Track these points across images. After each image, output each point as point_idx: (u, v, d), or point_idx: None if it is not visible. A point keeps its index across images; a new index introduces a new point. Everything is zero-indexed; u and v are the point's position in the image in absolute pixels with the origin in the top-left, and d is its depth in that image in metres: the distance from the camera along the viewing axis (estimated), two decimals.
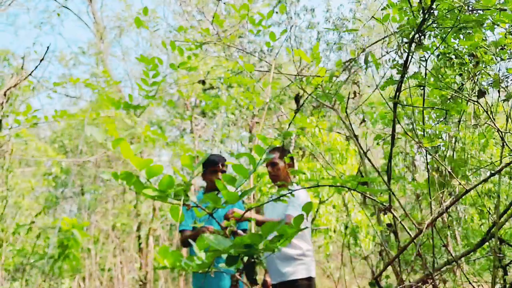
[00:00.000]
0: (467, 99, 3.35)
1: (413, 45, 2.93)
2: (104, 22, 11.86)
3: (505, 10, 2.59)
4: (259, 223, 3.20)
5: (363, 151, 3.40)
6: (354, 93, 3.84)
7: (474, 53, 3.38)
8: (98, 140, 1.60)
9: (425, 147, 3.24)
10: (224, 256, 3.23)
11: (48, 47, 3.40)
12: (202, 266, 1.66)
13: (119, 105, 3.43)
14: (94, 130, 1.60)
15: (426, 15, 2.69)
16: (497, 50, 3.20)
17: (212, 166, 3.44)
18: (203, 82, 3.97)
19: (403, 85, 3.04)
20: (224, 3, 10.32)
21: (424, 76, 3.31)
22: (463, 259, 3.43)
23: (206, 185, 3.58)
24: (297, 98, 3.90)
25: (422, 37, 3.12)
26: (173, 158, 10.69)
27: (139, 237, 9.88)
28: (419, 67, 3.70)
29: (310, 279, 3.25)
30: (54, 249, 3.61)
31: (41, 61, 3.27)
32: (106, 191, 10.25)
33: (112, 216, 9.30)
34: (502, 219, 2.73)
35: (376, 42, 3.70)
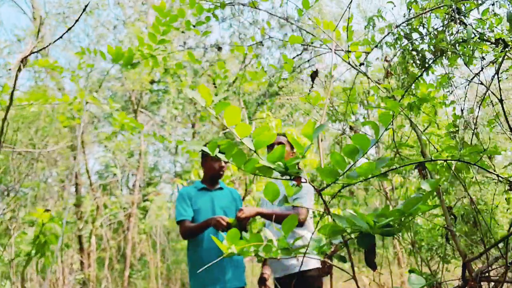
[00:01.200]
0: None
1: None
2: (46, 8, 11.12)
3: None
4: (267, 216, 3.04)
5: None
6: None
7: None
8: (202, 104, 1.38)
9: None
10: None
11: None
12: (320, 249, 1.46)
13: (119, 59, 3.11)
14: (196, 93, 1.40)
15: None
16: None
17: None
18: (219, 48, 3.73)
19: None
20: None
21: None
22: None
23: (205, 173, 3.39)
24: (313, 75, 3.75)
25: None
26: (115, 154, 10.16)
27: (80, 236, 9.29)
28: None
29: (319, 270, 3.08)
30: (28, 246, 3.22)
31: None
32: (47, 188, 9.56)
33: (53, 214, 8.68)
34: None
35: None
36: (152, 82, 10.32)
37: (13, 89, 2.41)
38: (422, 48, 4.75)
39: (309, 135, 1.37)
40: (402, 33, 4.81)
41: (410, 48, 4.83)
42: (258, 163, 1.43)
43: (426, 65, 4.67)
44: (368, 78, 3.69)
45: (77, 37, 26.30)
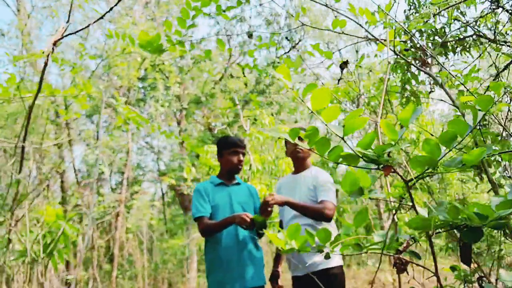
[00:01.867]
0: None
1: None
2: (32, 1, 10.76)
3: None
4: (296, 207, 2.92)
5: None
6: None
7: None
8: (288, 85, 1.30)
9: None
10: (251, 243, 2.93)
11: None
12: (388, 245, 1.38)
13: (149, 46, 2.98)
14: (279, 74, 1.32)
15: None
16: None
17: (233, 146, 3.17)
18: (251, 35, 3.61)
19: None
20: None
21: None
22: None
23: (222, 167, 3.25)
24: (342, 66, 3.66)
25: None
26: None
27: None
28: None
29: (341, 267, 3.00)
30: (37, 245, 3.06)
31: None
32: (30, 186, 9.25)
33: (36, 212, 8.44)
34: None
35: None
36: (139, 78, 10.15)
37: (42, 74, 2.27)
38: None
39: (406, 119, 1.28)
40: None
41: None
42: (343, 151, 1.33)
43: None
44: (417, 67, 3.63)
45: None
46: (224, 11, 3.17)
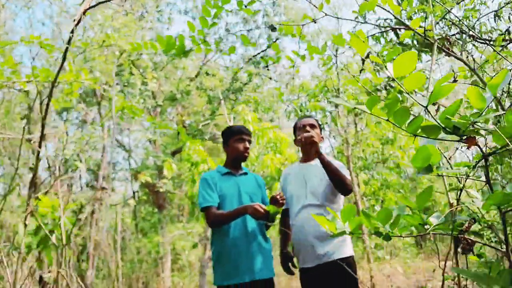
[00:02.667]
0: None
1: None
2: None
3: None
4: (326, 163, 2.82)
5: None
6: None
7: None
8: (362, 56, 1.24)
9: None
10: (259, 232, 2.85)
11: None
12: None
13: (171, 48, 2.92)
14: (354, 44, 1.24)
15: None
16: None
17: (238, 134, 3.12)
18: (274, 29, 3.56)
19: None
20: None
21: None
22: None
23: (229, 156, 3.17)
24: (364, 58, 3.64)
25: None
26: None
27: None
28: None
29: (353, 258, 2.92)
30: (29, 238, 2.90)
31: None
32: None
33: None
34: None
35: None
36: (117, 74, 9.92)
37: (67, 44, 2.16)
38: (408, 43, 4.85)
39: (496, 85, 1.20)
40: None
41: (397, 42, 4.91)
42: (422, 121, 1.26)
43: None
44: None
45: (40, 23, 25.16)
46: (246, 6, 3.14)
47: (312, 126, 3.13)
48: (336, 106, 9.18)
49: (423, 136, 1.28)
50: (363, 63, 3.78)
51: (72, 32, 2.16)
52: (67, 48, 2.18)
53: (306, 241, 2.87)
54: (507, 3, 4.19)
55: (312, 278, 2.88)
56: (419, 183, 14.18)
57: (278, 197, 2.77)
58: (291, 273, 3.04)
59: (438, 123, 1.23)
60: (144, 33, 11.69)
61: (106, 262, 10.29)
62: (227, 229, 2.88)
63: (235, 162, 3.15)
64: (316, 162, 3.08)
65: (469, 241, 1.33)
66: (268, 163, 6.25)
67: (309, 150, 3.10)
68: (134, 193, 16.99)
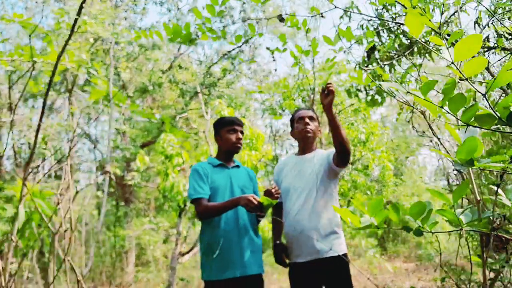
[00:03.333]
0: None
1: None
2: None
3: None
4: (335, 121, 2.65)
5: None
6: None
7: None
8: (414, 35, 1.16)
9: None
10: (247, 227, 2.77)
11: None
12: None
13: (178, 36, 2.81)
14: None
15: None
16: None
17: (229, 125, 3.03)
18: (282, 19, 3.49)
19: None
20: None
21: None
22: None
23: (220, 147, 3.09)
24: (369, 52, 3.60)
25: None
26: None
27: None
28: None
29: (347, 255, 2.81)
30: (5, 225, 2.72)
31: None
32: None
33: None
34: None
35: None
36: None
37: (78, 14, 2.03)
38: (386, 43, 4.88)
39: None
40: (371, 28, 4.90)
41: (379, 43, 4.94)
42: (478, 110, 1.19)
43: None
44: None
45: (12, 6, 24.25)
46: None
47: (311, 118, 3.05)
48: (312, 105, 9.19)
49: (476, 126, 1.23)
50: (369, 58, 3.76)
51: (80, 10, 2.04)
52: (73, 26, 2.05)
53: (301, 235, 2.78)
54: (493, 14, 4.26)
55: (304, 274, 2.79)
56: (384, 185, 14.39)
57: (273, 190, 2.68)
58: (284, 265, 2.95)
59: (495, 113, 1.17)
60: (120, 22, 11.44)
61: (70, 254, 9.99)
62: (218, 221, 2.80)
63: (227, 154, 3.07)
64: (313, 154, 3.02)
65: (504, 239, 1.30)
66: (246, 158, 6.19)
67: (307, 142, 3.04)
68: (99, 185, 16.61)
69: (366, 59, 4.24)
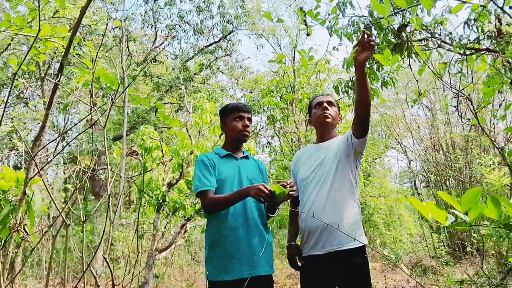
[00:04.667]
0: None
1: None
2: None
3: None
4: (364, 76, 2.39)
5: None
6: None
7: None
8: None
9: None
10: (254, 221, 2.58)
11: None
12: None
13: None
14: None
15: None
16: None
17: (235, 111, 2.82)
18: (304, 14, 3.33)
19: None
20: None
21: None
22: None
23: (227, 136, 2.88)
24: (401, 29, 3.40)
25: None
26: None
27: None
28: None
29: (365, 248, 2.64)
30: None
31: None
32: None
33: None
34: None
35: None
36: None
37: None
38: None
39: None
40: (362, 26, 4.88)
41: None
42: None
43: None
44: None
45: None
46: None
47: (330, 104, 2.88)
48: (291, 102, 9.16)
49: None
50: (399, 36, 3.65)
51: None
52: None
53: (319, 225, 2.57)
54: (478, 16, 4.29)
55: (319, 266, 2.61)
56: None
57: (288, 186, 2.41)
58: (297, 268, 2.78)
59: None
60: (95, 12, 11.13)
61: (37, 249, 9.65)
62: (225, 215, 2.59)
63: (234, 143, 2.85)
64: (332, 141, 2.85)
65: None
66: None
67: (325, 129, 2.87)
68: (66, 179, 16.13)
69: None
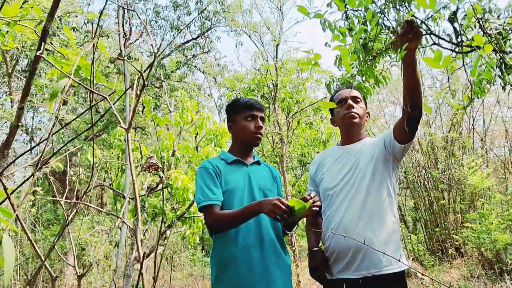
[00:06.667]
0: None
1: None
2: None
3: None
4: (415, 73, 2.06)
5: None
6: None
7: None
8: None
9: None
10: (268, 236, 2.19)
11: None
12: None
13: None
14: None
15: None
16: None
17: (247, 109, 2.38)
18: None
19: None
20: None
21: None
22: None
23: (236, 138, 2.46)
24: (452, 19, 3.09)
25: None
26: None
27: None
28: None
29: (404, 273, 2.25)
30: None
31: None
32: None
33: None
34: None
35: None
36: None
37: None
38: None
39: None
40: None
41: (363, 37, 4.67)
42: None
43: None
44: None
45: None
46: None
47: (355, 100, 2.46)
48: (274, 102, 8.85)
49: None
50: (452, 22, 3.37)
51: None
52: None
53: (352, 245, 2.15)
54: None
55: None
56: None
57: (309, 199, 2.02)
58: (323, 281, 2.32)
59: None
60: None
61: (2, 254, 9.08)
62: (235, 235, 2.18)
63: (244, 147, 2.44)
64: (362, 143, 2.44)
65: None
66: (214, 155, 5.73)
67: (352, 129, 2.46)
68: (35, 181, 15.39)
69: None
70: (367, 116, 2.54)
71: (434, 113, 12.35)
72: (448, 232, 10.70)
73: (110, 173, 7.02)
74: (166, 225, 6.24)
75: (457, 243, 10.27)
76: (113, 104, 1.71)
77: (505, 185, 10.78)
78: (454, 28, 2.72)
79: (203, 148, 6.50)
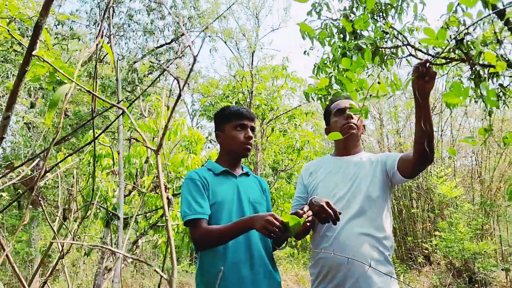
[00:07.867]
0: None
1: None
2: None
3: None
4: (428, 112, 1.88)
5: None
6: None
7: None
8: None
9: None
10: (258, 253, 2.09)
11: None
12: None
13: None
14: None
15: None
16: None
17: (237, 118, 2.27)
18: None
19: None
20: None
21: None
22: None
23: (224, 148, 2.34)
24: (424, 64, 3.03)
25: None
26: None
27: None
28: None
29: None
30: None
31: None
32: None
33: None
34: None
35: None
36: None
37: None
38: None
39: None
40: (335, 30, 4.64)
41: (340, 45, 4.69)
42: None
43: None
44: None
45: None
46: None
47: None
48: (249, 107, 8.82)
49: None
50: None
51: None
52: None
53: (344, 262, 2.04)
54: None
55: None
56: None
57: (304, 215, 1.92)
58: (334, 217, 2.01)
59: None
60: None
61: None
62: (223, 252, 2.07)
63: (233, 157, 2.32)
64: (359, 156, 2.36)
65: None
66: (189, 162, 5.63)
67: (350, 141, 2.37)
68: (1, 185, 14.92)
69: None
70: (363, 128, 2.48)
71: (404, 122, 12.54)
72: (417, 241, 10.85)
73: (80, 180, 6.84)
74: (138, 234, 6.11)
75: (426, 251, 10.42)
76: (131, 116, 1.63)
77: (471, 194, 11.01)
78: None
79: (175, 155, 6.40)
